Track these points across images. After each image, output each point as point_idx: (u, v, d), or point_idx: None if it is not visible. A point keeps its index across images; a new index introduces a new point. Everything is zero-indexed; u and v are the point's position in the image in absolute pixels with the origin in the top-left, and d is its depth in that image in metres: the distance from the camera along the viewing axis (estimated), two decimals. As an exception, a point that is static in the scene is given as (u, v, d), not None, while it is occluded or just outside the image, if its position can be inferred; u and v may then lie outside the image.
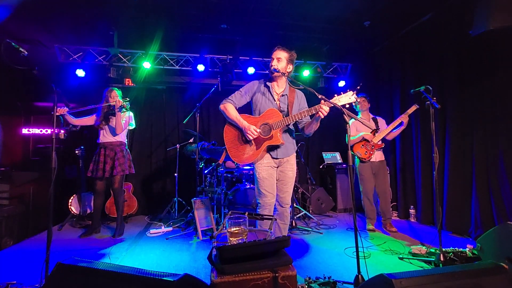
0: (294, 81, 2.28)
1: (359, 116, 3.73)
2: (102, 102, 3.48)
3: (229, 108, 2.29)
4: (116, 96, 3.50)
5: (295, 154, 2.41)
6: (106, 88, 3.57)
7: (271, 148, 2.26)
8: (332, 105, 2.04)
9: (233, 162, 2.29)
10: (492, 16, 2.55)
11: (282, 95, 2.34)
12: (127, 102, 3.45)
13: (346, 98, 2.10)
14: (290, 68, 2.32)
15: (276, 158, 2.27)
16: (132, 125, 3.66)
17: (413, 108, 3.33)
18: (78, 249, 3.10)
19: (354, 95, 2.10)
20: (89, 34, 4.15)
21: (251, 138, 2.18)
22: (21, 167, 4.58)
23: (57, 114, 2.97)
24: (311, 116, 2.22)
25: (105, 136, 3.49)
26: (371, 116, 3.73)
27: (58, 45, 4.26)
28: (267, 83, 2.35)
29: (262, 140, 2.22)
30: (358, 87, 2.21)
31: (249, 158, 2.23)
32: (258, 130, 2.19)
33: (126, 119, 3.52)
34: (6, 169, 4.20)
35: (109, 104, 3.44)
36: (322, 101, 2.05)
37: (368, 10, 3.59)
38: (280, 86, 2.35)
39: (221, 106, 2.32)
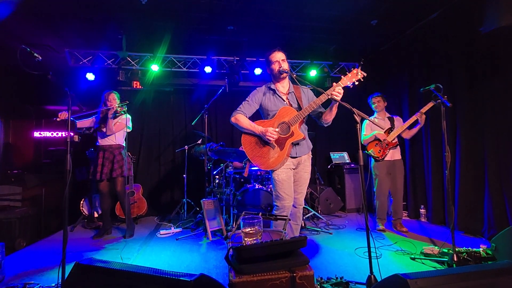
0: (301, 80, 2.29)
1: (375, 115, 3.71)
2: (101, 105, 3.54)
3: (241, 118, 2.26)
4: (113, 99, 3.56)
5: (311, 154, 2.39)
6: (105, 91, 3.62)
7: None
8: (343, 85, 2.14)
9: (260, 169, 2.22)
10: (503, 13, 2.52)
11: (289, 93, 2.36)
12: (124, 106, 3.48)
13: (353, 76, 2.16)
14: None
15: (295, 157, 2.25)
16: (130, 128, 3.70)
17: (430, 105, 3.18)
18: (90, 249, 3.15)
19: (359, 71, 2.17)
20: (98, 38, 4.22)
21: (271, 140, 2.14)
22: (33, 170, 4.68)
23: (59, 119, 3.07)
24: (325, 105, 2.26)
25: (104, 139, 3.54)
26: (387, 115, 3.68)
27: (68, 50, 4.33)
28: (271, 86, 2.36)
29: (284, 139, 2.19)
30: (362, 62, 2.27)
31: (276, 161, 2.18)
32: (277, 130, 2.16)
33: (120, 122, 3.55)
34: (18, 172, 4.29)
35: (108, 108, 3.48)
36: (334, 83, 2.13)
37: (375, 9, 3.57)
38: (284, 86, 2.37)
39: (232, 119, 2.29)
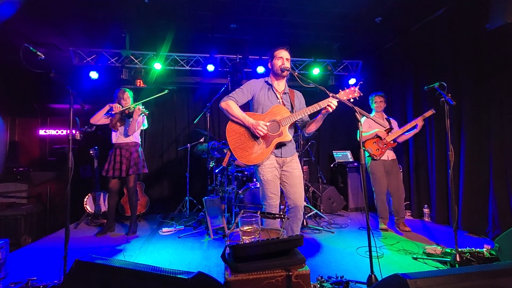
0: (303, 78, 2.27)
1: (373, 114, 3.69)
2: (114, 102, 3.54)
3: (232, 105, 2.20)
4: (128, 98, 3.57)
5: (297, 154, 2.38)
6: (117, 89, 3.63)
7: (276, 147, 2.22)
8: (339, 99, 2.11)
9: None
10: (510, 9, 2.47)
11: (284, 93, 2.35)
12: (147, 110, 3.52)
13: (351, 93, 2.18)
14: None
15: (280, 157, 2.23)
16: (145, 125, 3.73)
17: (429, 113, 3.30)
18: (93, 246, 3.18)
19: (357, 89, 2.20)
20: (102, 36, 4.25)
21: (261, 134, 2.11)
22: (39, 167, 4.74)
23: (114, 112, 3.31)
24: (313, 115, 2.25)
25: (120, 137, 3.56)
26: (385, 116, 3.70)
27: (72, 48, 4.37)
28: (269, 81, 2.34)
29: (271, 137, 2.17)
30: (361, 82, 2.30)
31: (258, 158, 2.15)
32: (267, 124, 2.14)
33: (140, 121, 3.58)
34: (24, 169, 4.35)
35: (128, 107, 3.50)
36: (331, 94, 2.11)
37: (379, 6, 3.53)
38: (281, 85, 2.36)
39: (222, 104, 2.22)
